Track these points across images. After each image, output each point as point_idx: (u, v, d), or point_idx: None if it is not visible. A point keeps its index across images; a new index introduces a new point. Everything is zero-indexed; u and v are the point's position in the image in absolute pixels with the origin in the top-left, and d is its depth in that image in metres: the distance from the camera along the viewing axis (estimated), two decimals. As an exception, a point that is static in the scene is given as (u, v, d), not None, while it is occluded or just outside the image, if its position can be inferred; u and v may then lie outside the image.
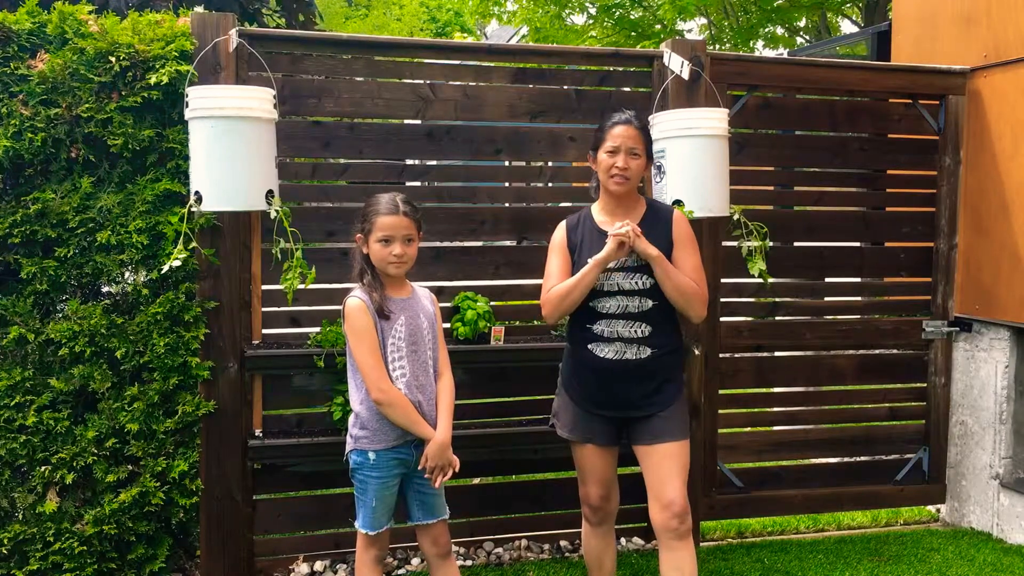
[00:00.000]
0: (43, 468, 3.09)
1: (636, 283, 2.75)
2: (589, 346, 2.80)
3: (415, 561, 3.63)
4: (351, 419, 2.73)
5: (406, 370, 2.67)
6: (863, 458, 4.17)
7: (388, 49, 3.61)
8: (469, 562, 3.64)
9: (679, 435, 2.81)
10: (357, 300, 2.65)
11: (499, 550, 3.74)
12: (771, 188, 4.25)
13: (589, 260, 2.73)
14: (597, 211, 2.90)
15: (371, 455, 2.67)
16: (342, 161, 3.57)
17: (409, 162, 3.76)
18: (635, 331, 2.76)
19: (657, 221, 2.85)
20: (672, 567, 2.76)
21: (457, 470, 2.70)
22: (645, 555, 3.71)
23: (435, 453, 2.65)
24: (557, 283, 2.82)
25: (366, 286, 2.68)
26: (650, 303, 2.76)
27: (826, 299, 4.16)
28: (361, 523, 2.72)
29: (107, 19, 3.15)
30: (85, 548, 3.10)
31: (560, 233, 2.91)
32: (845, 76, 4.00)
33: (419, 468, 2.68)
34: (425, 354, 2.72)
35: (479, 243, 3.73)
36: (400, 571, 3.55)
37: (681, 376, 2.91)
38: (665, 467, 2.77)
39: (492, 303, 3.61)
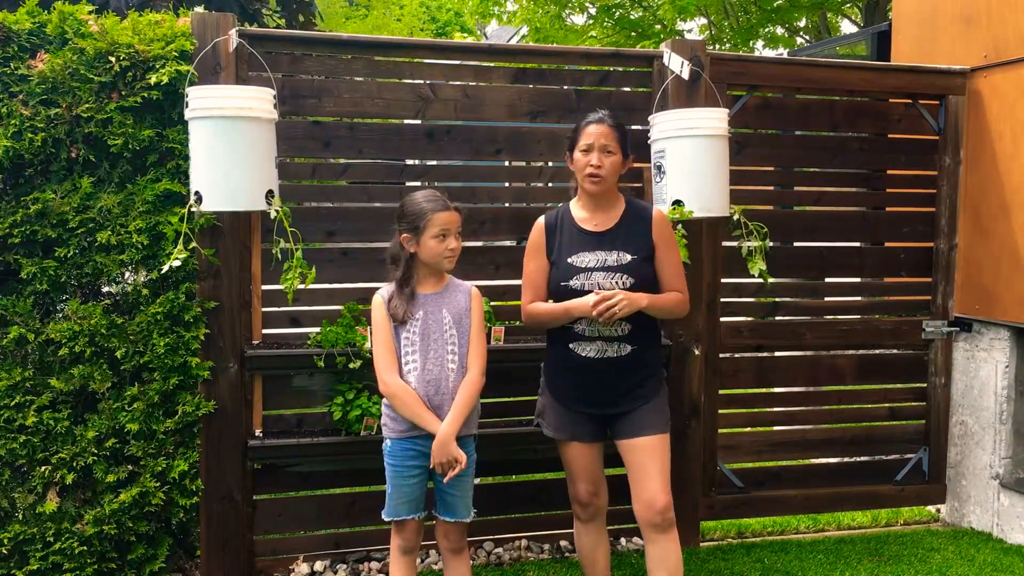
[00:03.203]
0: (43, 468, 3.09)
1: (616, 283, 2.75)
2: (571, 345, 2.81)
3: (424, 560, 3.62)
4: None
5: (417, 364, 2.72)
6: (863, 458, 4.17)
7: (388, 49, 3.61)
8: (470, 562, 3.64)
9: (659, 429, 2.82)
10: (378, 297, 2.78)
11: (499, 550, 3.74)
12: (771, 188, 4.25)
13: (572, 298, 2.76)
14: (576, 208, 2.90)
15: (388, 442, 2.78)
16: (342, 161, 3.57)
17: (409, 162, 3.76)
18: (615, 329, 2.77)
19: (637, 221, 2.85)
20: (657, 559, 2.80)
21: (464, 466, 2.71)
22: (645, 555, 3.70)
23: (435, 448, 2.68)
24: (533, 288, 2.87)
25: (396, 283, 2.77)
26: None
27: (826, 299, 4.17)
28: (384, 508, 2.81)
29: (107, 19, 3.15)
30: (85, 548, 3.10)
31: (537, 234, 2.92)
32: (845, 76, 4.00)
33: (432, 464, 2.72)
34: (442, 348, 2.75)
35: (479, 243, 3.73)
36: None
37: (662, 371, 2.93)
38: (644, 463, 2.79)
39: (492, 303, 3.61)
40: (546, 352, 2.98)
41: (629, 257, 2.78)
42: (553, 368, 2.93)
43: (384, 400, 2.80)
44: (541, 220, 2.93)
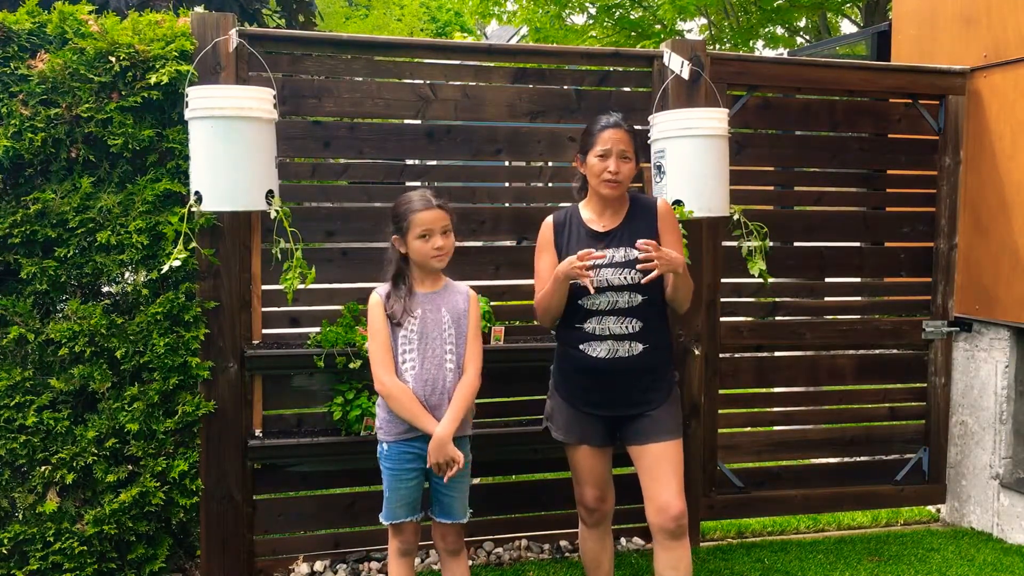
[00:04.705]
0: (43, 468, 3.09)
1: (625, 278, 2.74)
2: (581, 346, 2.79)
3: (424, 560, 3.62)
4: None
5: (415, 363, 2.71)
6: (863, 458, 4.17)
7: (388, 49, 3.61)
8: (469, 562, 3.63)
9: (671, 434, 2.80)
10: (375, 296, 2.75)
11: (499, 550, 3.74)
12: (771, 188, 4.25)
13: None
14: (585, 210, 2.89)
15: (385, 446, 2.76)
16: (342, 161, 3.57)
17: (409, 162, 3.76)
18: (626, 327, 2.76)
19: (642, 216, 2.84)
20: (668, 566, 2.78)
21: (461, 466, 2.69)
22: (645, 555, 3.71)
23: (432, 448, 2.67)
24: (544, 284, 2.83)
25: (392, 282, 2.76)
26: (640, 298, 2.76)
27: (826, 299, 4.16)
28: (382, 511, 2.80)
29: (107, 19, 3.15)
30: (85, 548, 3.10)
31: (547, 231, 2.90)
32: (845, 76, 4.00)
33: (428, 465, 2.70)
34: (440, 348, 2.73)
35: (479, 243, 3.73)
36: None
37: (673, 373, 2.91)
38: (659, 469, 2.77)
39: (492, 303, 3.61)
40: (556, 354, 2.95)
41: (636, 252, 2.77)
42: (563, 370, 2.90)
43: (379, 402, 2.79)
44: (549, 218, 2.92)
